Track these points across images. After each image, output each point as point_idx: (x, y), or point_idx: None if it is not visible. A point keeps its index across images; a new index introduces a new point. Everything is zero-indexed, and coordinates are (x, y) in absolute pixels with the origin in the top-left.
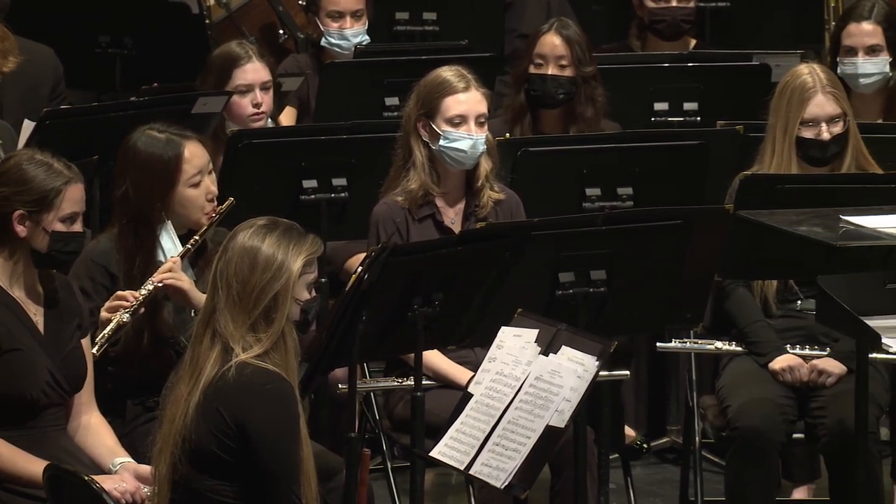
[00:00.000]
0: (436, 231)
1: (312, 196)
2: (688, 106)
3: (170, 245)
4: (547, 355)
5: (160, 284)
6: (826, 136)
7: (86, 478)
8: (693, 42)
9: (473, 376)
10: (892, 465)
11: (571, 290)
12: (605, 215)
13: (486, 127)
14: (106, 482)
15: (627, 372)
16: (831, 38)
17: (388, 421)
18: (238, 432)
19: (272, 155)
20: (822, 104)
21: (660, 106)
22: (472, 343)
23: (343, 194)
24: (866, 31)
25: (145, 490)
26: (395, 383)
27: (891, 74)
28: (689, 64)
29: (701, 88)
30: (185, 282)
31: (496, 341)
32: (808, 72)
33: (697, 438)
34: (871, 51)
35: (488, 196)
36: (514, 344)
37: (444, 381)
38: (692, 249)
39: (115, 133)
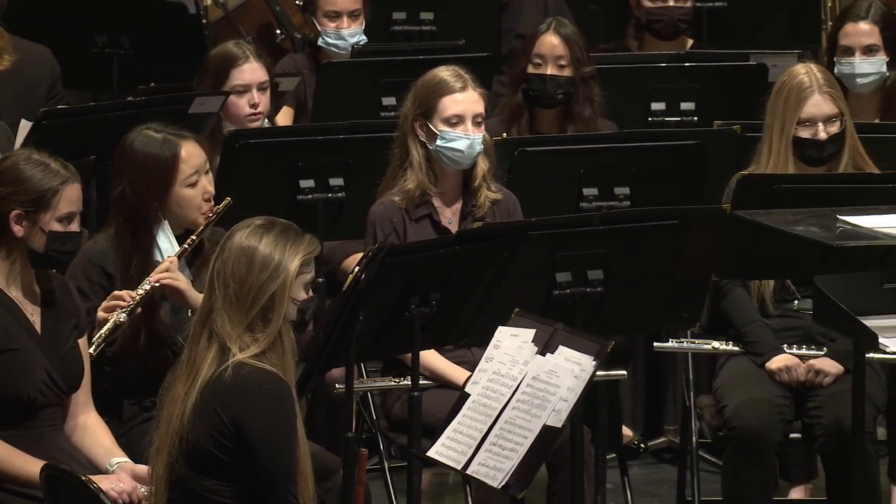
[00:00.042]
0: (433, 231)
1: (309, 196)
2: (685, 106)
3: (167, 245)
4: (544, 355)
5: (157, 284)
6: (823, 135)
7: (83, 478)
8: (690, 42)
9: (470, 376)
10: (888, 465)
11: (568, 290)
12: (602, 215)
13: (483, 127)
14: (103, 482)
15: (624, 372)
16: (828, 38)
17: (385, 421)
18: (235, 432)
19: (269, 155)
20: (818, 104)
21: (657, 106)
22: (469, 343)
23: (340, 194)
24: (863, 30)
25: (142, 490)
26: (393, 383)
27: (888, 74)
28: (687, 64)
29: (698, 88)
30: (182, 281)
31: (493, 341)
32: (805, 71)
33: (694, 438)
34: (868, 51)
35: (485, 196)
36: (511, 344)
37: (441, 380)
38: (689, 249)
39: (112, 133)
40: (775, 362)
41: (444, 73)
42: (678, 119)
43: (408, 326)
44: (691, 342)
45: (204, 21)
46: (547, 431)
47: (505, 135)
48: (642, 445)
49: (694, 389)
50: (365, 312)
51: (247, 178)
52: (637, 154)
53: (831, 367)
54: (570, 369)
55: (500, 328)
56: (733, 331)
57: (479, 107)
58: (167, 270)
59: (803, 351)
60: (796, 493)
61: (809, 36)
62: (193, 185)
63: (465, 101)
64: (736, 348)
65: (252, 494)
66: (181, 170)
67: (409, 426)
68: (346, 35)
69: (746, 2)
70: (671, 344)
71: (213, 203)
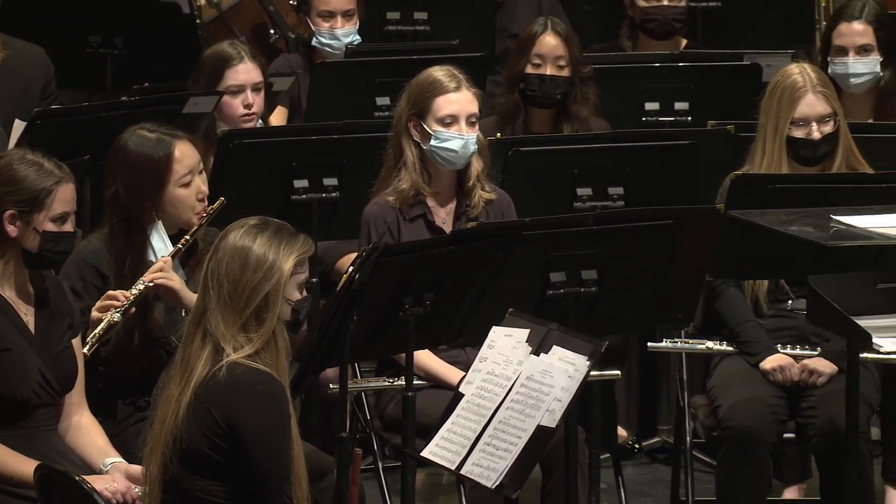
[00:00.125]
0: (427, 231)
1: (303, 196)
2: (679, 106)
3: (160, 245)
4: (538, 355)
5: (151, 284)
6: (816, 135)
7: (77, 478)
8: (684, 42)
9: (464, 376)
10: (882, 465)
11: (562, 290)
12: (596, 215)
13: (477, 127)
14: (97, 482)
15: (619, 372)
16: (822, 38)
17: (380, 421)
18: (229, 432)
19: (263, 155)
20: (812, 104)
21: (651, 106)
22: (463, 343)
23: (334, 194)
24: (857, 30)
25: (136, 490)
26: (387, 383)
27: (881, 74)
28: (681, 64)
29: (692, 88)
30: (175, 281)
31: (487, 341)
32: (799, 71)
33: (688, 438)
34: (862, 50)
35: (479, 196)
36: (505, 344)
37: (435, 380)
38: (683, 249)
39: (106, 133)
40: (769, 362)
41: (439, 73)
42: (672, 119)
43: (402, 326)
44: (685, 342)
45: (198, 21)
46: (541, 431)
47: (499, 134)
48: (636, 445)
49: (688, 389)
50: (359, 312)
51: (241, 178)
52: (631, 154)
53: (825, 366)
54: (565, 369)
55: (495, 328)
56: (727, 331)
57: (473, 107)
58: (161, 270)
59: (797, 351)
60: (790, 493)
61: (803, 36)
62: (187, 185)
63: (459, 101)
64: (730, 348)
65: (246, 494)
66: (175, 170)
67: (404, 426)
68: (340, 35)
69: (740, 2)
70: (665, 344)
71: (206, 203)
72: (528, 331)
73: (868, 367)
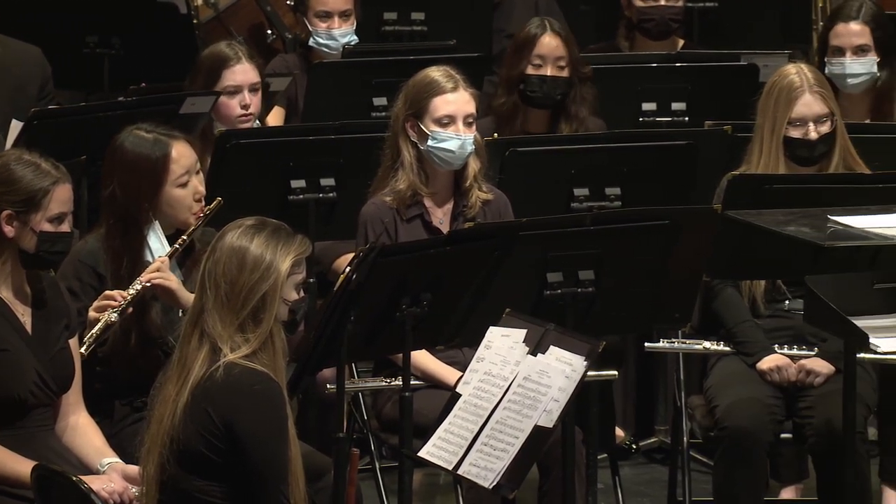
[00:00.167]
0: (424, 231)
1: (301, 196)
2: (676, 106)
3: (157, 245)
4: (535, 355)
5: (148, 284)
6: (813, 135)
7: (74, 478)
8: (681, 42)
9: (462, 376)
10: (879, 465)
11: (560, 290)
12: (593, 215)
13: (474, 127)
14: (94, 482)
15: (616, 372)
16: (819, 38)
17: (377, 421)
18: (226, 433)
19: (260, 155)
20: (809, 104)
21: (648, 106)
22: (460, 343)
23: (331, 194)
24: (854, 31)
25: (133, 490)
26: (384, 383)
27: (878, 74)
28: (678, 64)
29: (689, 88)
30: (173, 281)
31: (484, 341)
32: (796, 71)
33: (685, 438)
34: (859, 51)
35: (476, 196)
36: (502, 344)
37: (432, 381)
38: (680, 249)
39: (103, 133)
40: (766, 362)
41: (436, 73)
42: (669, 119)
43: (399, 327)
44: (682, 342)
45: (195, 21)
46: (538, 432)
47: (496, 135)
48: (633, 446)
49: (685, 389)
50: (356, 313)
51: (238, 179)
52: (628, 154)
53: (822, 367)
54: (562, 369)
55: (492, 328)
56: (724, 331)
57: (470, 107)
58: (158, 270)
59: (794, 351)
60: (787, 493)
61: (800, 36)
62: (184, 185)
63: (456, 101)
64: (727, 348)
65: (243, 495)
66: (172, 170)
67: (401, 426)
68: (338, 35)
69: (737, 2)
70: (662, 344)
71: (203, 203)
72: (525, 331)
73: (865, 368)
